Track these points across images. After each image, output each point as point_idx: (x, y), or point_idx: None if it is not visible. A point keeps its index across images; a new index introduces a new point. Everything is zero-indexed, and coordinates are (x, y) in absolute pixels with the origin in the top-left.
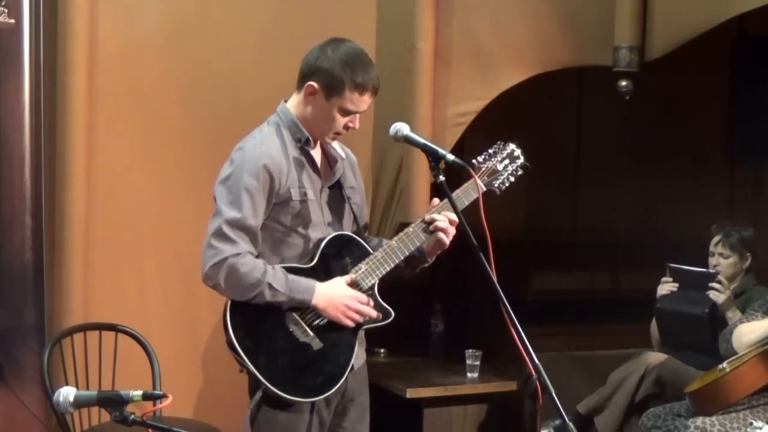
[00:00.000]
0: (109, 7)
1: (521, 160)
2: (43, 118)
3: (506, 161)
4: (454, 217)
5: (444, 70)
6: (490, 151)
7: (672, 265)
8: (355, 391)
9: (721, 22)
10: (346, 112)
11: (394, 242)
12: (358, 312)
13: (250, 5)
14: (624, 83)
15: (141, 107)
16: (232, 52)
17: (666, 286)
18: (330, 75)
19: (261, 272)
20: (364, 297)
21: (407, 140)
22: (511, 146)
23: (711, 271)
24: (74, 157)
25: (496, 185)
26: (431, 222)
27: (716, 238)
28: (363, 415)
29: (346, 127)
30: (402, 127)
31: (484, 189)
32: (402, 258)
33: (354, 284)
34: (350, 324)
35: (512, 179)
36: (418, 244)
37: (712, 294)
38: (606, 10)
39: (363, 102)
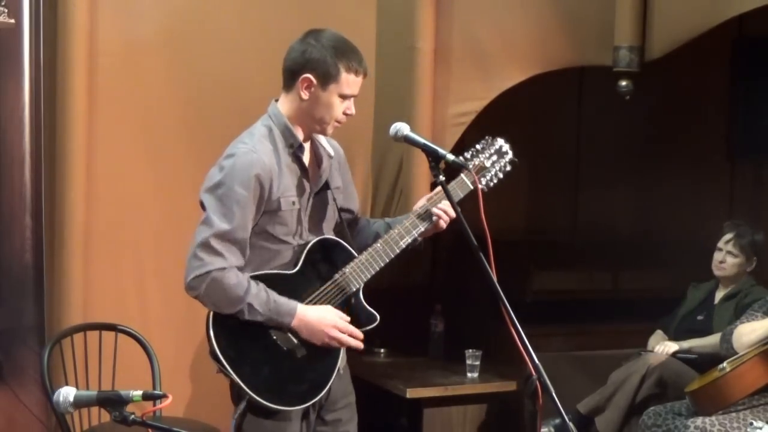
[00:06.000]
0: (109, 7)
1: (509, 155)
2: (43, 118)
3: (494, 157)
4: (449, 208)
5: (444, 70)
6: (478, 146)
7: None
8: (340, 393)
9: (721, 22)
10: (343, 97)
11: (379, 245)
12: (339, 339)
13: (249, 5)
14: (624, 83)
15: (141, 107)
16: (231, 52)
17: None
18: (323, 63)
19: (244, 290)
20: (346, 323)
21: (407, 140)
22: (500, 141)
23: None
24: (74, 157)
25: (483, 183)
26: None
27: (728, 236)
28: (352, 415)
29: (344, 114)
30: (402, 127)
31: (469, 188)
32: (388, 260)
33: (339, 290)
34: (334, 345)
35: (501, 176)
36: (410, 240)
37: None
38: (606, 10)
39: (357, 84)
